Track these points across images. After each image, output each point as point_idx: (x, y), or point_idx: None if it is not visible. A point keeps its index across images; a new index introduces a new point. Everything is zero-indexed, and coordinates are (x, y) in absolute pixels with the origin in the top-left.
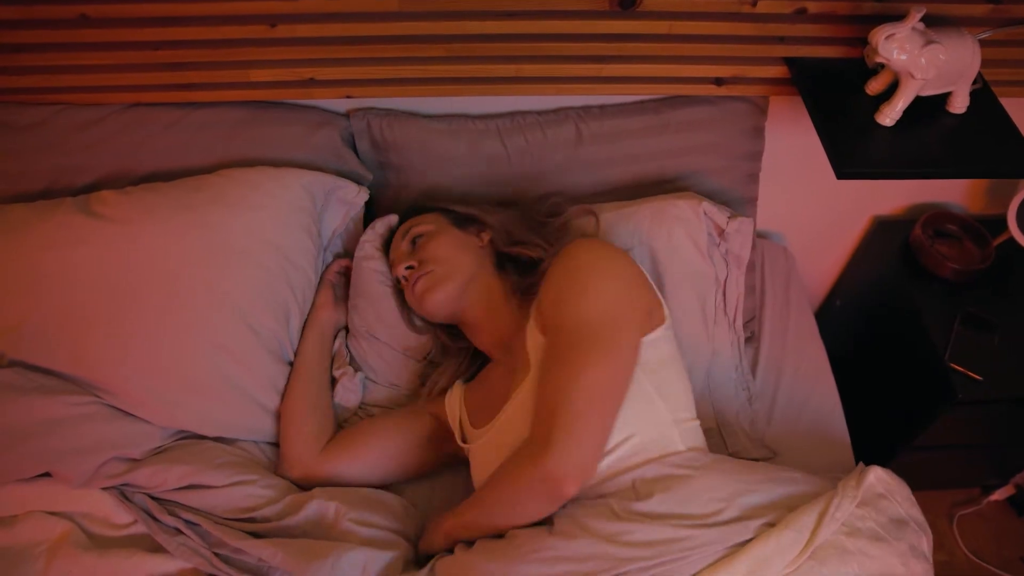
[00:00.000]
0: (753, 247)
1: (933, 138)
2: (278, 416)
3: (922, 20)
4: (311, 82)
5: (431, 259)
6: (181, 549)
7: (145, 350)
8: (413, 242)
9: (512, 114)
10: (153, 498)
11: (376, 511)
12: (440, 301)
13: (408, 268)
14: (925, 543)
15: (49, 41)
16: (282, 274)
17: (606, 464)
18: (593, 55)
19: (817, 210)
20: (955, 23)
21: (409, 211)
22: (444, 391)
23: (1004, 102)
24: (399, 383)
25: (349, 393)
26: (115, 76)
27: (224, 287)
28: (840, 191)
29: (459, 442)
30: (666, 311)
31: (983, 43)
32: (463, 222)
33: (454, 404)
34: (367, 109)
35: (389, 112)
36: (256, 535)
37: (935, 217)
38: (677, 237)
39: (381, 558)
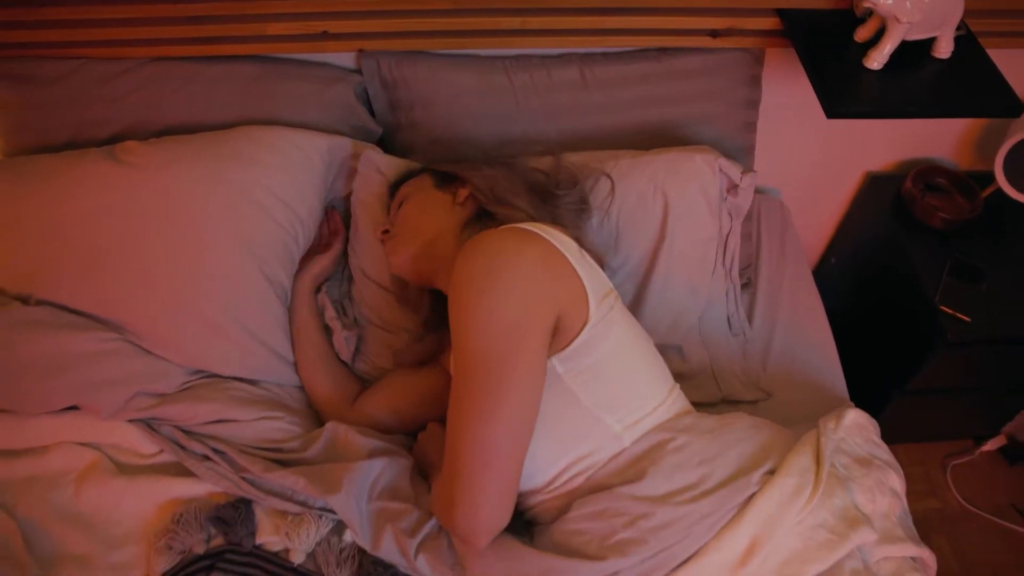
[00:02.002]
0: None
1: (919, 81)
2: (292, 363)
3: None
4: (324, 35)
5: (399, 222)
6: (209, 473)
7: (168, 292)
8: (399, 208)
9: (518, 56)
10: (181, 430)
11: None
12: (400, 263)
13: (384, 232)
14: (895, 479)
15: None
16: (292, 231)
17: (550, 492)
18: (595, 7)
19: (812, 165)
20: None
21: (406, 176)
22: (418, 363)
23: (989, 52)
24: (396, 324)
25: (341, 348)
26: (136, 30)
27: (242, 236)
28: (833, 146)
29: None
30: (591, 303)
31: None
32: (444, 181)
33: None
34: (378, 52)
35: (398, 53)
36: (281, 463)
37: (925, 171)
38: (691, 192)
39: (391, 465)
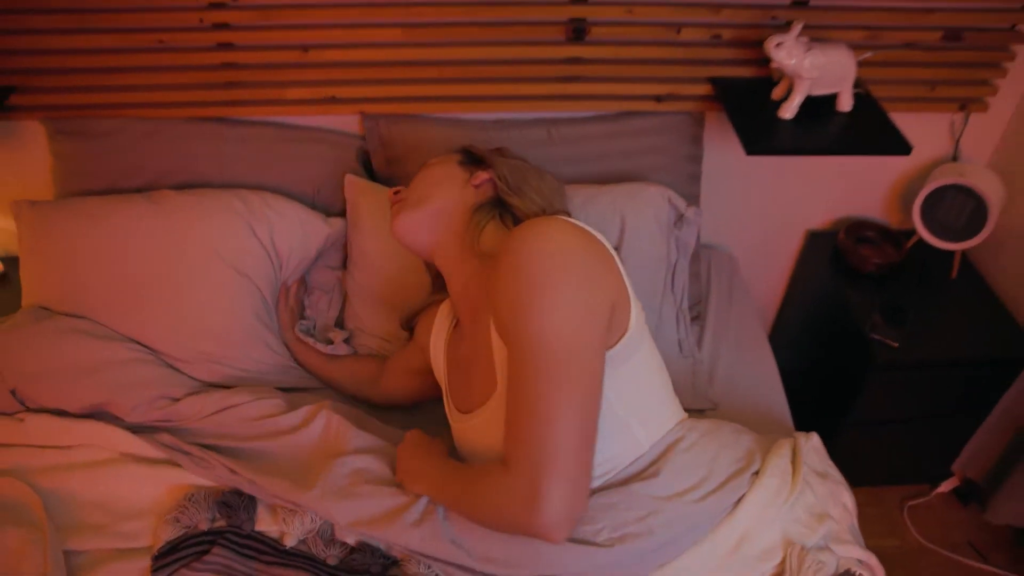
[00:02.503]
0: (698, 241)
1: (825, 128)
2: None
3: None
4: (332, 100)
5: (411, 186)
6: (207, 471)
7: (191, 322)
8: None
9: (495, 120)
10: (184, 440)
11: (367, 427)
12: (401, 227)
13: (395, 193)
14: (846, 496)
15: (129, 65)
16: (277, 276)
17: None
18: (557, 76)
19: (759, 225)
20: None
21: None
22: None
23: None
24: (390, 334)
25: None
26: (178, 94)
27: (252, 280)
28: (776, 207)
29: (445, 404)
30: (633, 306)
31: (865, 64)
32: (470, 161)
33: (439, 360)
34: (377, 115)
35: (394, 115)
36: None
37: (856, 226)
38: (646, 215)
39: (376, 460)
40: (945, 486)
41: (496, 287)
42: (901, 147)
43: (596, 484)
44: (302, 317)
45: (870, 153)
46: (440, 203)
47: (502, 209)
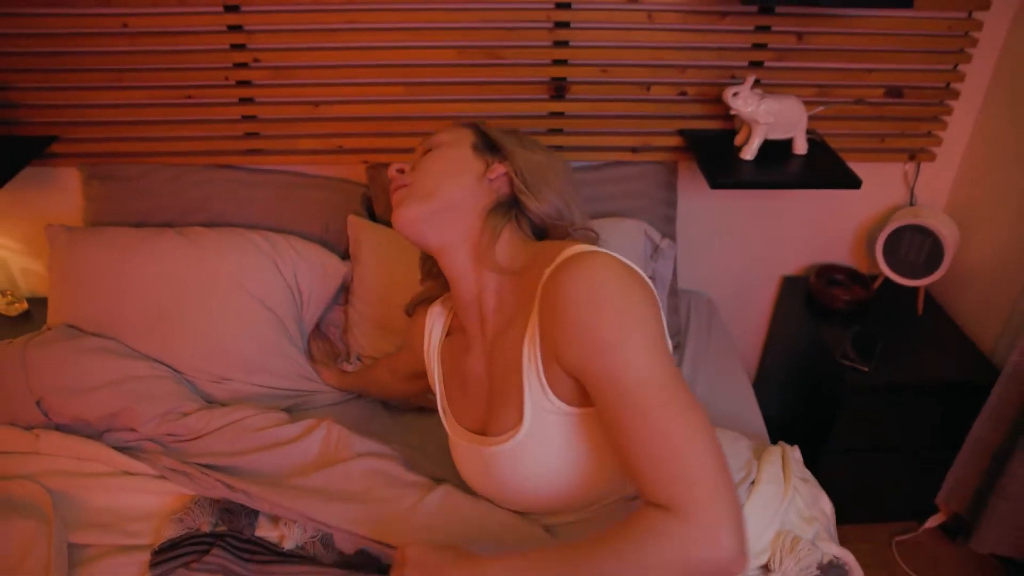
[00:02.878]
0: (675, 276)
1: (782, 167)
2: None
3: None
4: (340, 150)
5: (420, 171)
6: (207, 489)
7: (211, 347)
8: (425, 154)
9: None
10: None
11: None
12: (405, 219)
13: (399, 171)
14: (826, 502)
15: (159, 118)
16: (300, 308)
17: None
18: (541, 129)
19: (736, 273)
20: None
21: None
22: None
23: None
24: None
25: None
26: (201, 143)
27: (273, 310)
28: (751, 254)
29: (439, 408)
30: (667, 338)
31: (819, 117)
32: (484, 146)
33: (433, 365)
34: (380, 164)
35: None
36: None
37: (826, 269)
38: (624, 244)
39: (375, 463)
40: (932, 521)
41: (569, 331)
42: (852, 181)
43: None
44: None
45: (823, 187)
46: (451, 199)
47: (517, 209)
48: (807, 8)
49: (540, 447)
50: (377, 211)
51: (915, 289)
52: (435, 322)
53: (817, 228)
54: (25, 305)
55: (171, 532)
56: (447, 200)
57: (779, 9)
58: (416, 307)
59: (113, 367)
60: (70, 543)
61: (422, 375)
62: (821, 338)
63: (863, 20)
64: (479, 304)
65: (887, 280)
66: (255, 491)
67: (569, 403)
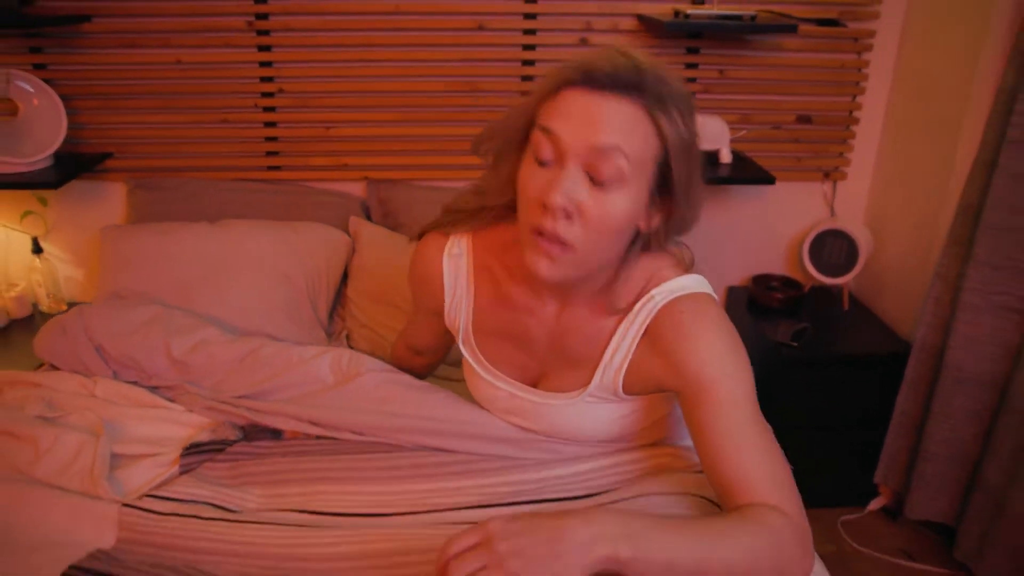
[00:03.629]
0: None
1: (712, 172)
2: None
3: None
4: (344, 166)
5: (590, 232)
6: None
7: (242, 307)
8: (592, 179)
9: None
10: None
11: None
12: (553, 278)
13: (565, 216)
14: None
15: (197, 136)
16: (318, 275)
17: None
18: None
19: None
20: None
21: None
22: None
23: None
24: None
25: None
26: (231, 160)
27: (291, 275)
28: (698, 267)
29: (466, 355)
30: None
31: (741, 140)
32: (661, 187)
33: (460, 307)
34: (378, 180)
35: (390, 180)
36: None
37: (763, 277)
38: None
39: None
40: (875, 504)
41: (686, 363)
42: (767, 179)
43: None
44: None
45: (745, 183)
46: (603, 261)
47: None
48: (725, 48)
49: (587, 412)
50: (374, 218)
51: (840, 289)
52: (458, 269)
53: (755, 243)
54: (65, 307)
55: (201, 437)
56: (599, 263)
57: (703, 49)
58: (426, 235)
59: (153, 310)
60: (112, 453)
61: (440, 340)
62: (760, 330)
63: (773, 58)
64: (569, 291)
65: (817, 287)
66: (276, 409)
67: (630, 395)
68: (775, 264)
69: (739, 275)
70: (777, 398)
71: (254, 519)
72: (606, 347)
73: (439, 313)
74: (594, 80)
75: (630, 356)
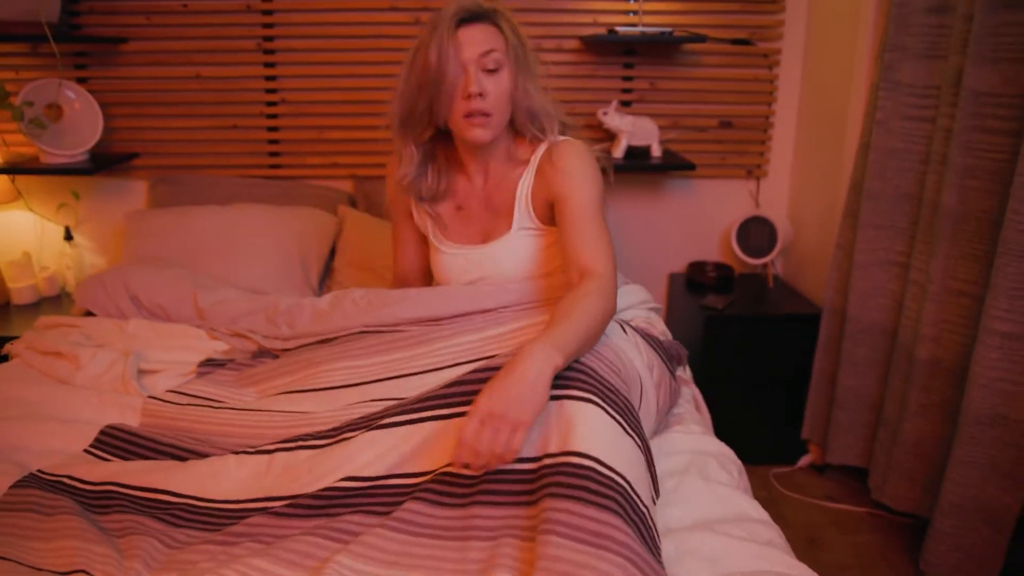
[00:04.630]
0: None
1: (644, 161)
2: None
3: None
4: (335, 165)
5: (496, 101)
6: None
7: (246, 272)
8: (493, 72)
9: None
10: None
11: None
12: (486, 140)
13: (478, 95)
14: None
15: (212, 139)
16: (308, 247)
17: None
18: None
19: (633, 273)
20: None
21: (483, 13)
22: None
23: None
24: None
25: None
26: (238, 159)
27: (287, 245)
28: (642, 256)
29: (432, 241)
30: None
31: (672, 141)
32: (520, 62)
33: (421, 212)
34: (364, 176)
35: (373, 177)
36: None
37: (699, 263)
38: None
39: None
40: (803, 461)
41: (560, 174)
42: (689, 166)
43: None
44: None
45: (669, 170)
46: (507, 118)
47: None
48: (655, 63)
49: (520, 245)
50: (359, 209)
51: (765, 270)
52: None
53: (691, 235)
54: None
55: (219, 355)
56: (504, 123)
57: (637, 64)
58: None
59: (181, 270)
60: (139, 370)
61: (420, 253)
62: (696, 303)
63: (697, 71)
64: (488, 164)
65: (748, 274)
66: (278, 333)
67: (543, 223)
68: (710, 254)
69: (679, 264)
70: (713, 359)
71: (255, 407)
72: (516, 190)
73: (411, 214)
74: (464, 20)
75: (530, 188)
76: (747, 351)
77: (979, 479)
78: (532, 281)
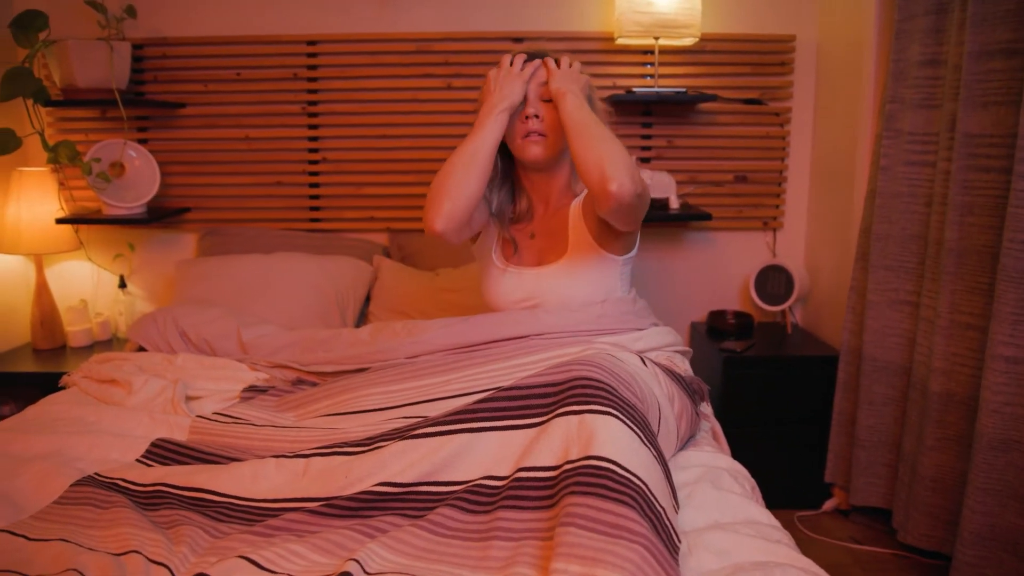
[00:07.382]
0: None
1: (664, 212)
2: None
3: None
4: (371, 219)
5: (552, 126)
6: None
7: (286, 314)
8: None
9: None
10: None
11: None
12: (540, 157)
13: (535, 116)
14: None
15: (257, 194)
16: (344, 293)
17: None
18: None
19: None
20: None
21: (544, 53)
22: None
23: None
24: None
25: None
26: (280, 213)
27: (324, 292)
28: (666, 306)
29: (492, 259)
30: None
31: (690, 195)
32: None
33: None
34: (398, 230)
35: (408, 231)
36: None
37: (715, 313)
38: None
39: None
40: (828, 505)
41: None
42: (704, 216)
43: None
44: None
45: (687, 220)
46: (563, 146)
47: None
48: (671, 122)
49: (577, 268)
50: (393, 259)
51: (784, 317)
52: (491, 234)
53: (711, 286)
54: None
55: (257, 384)
56: (560, 148)
57: (655, 124)
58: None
59: (225, 309)
60: (187, 396)
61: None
62: (716, 346)
63: (712, 129)
64: (549, 196)
65: (767, 323)
66: (317, 359)
67: (593, 237)
68: (730, 303)
69: (700, 313)
70: (733, 401)
71: (294, 425)
72: (570, 210)
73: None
74: (530, 57)
75: (581, 205)
76: (766, 393)
77: (996, 505)
78: (567, 313)
